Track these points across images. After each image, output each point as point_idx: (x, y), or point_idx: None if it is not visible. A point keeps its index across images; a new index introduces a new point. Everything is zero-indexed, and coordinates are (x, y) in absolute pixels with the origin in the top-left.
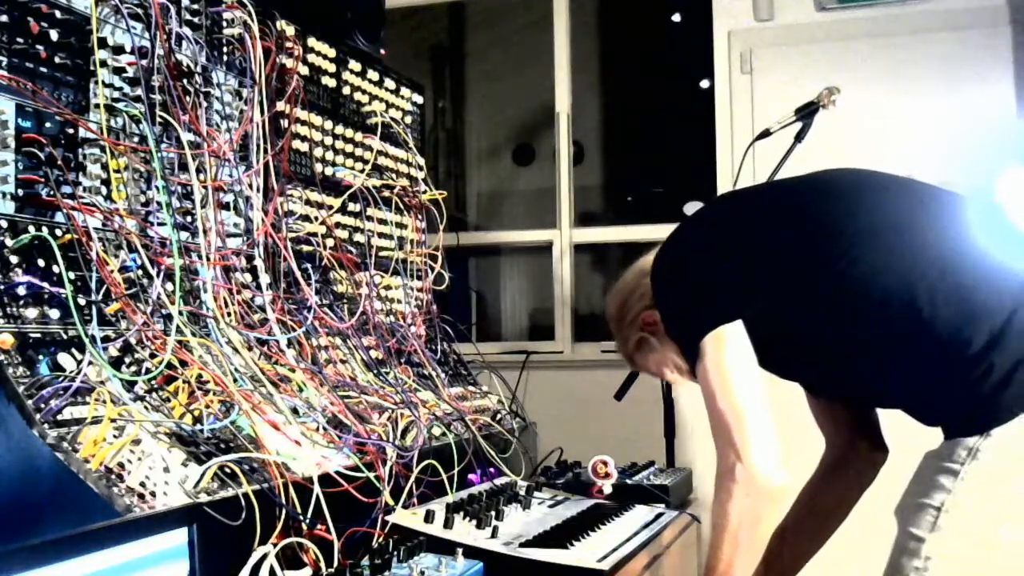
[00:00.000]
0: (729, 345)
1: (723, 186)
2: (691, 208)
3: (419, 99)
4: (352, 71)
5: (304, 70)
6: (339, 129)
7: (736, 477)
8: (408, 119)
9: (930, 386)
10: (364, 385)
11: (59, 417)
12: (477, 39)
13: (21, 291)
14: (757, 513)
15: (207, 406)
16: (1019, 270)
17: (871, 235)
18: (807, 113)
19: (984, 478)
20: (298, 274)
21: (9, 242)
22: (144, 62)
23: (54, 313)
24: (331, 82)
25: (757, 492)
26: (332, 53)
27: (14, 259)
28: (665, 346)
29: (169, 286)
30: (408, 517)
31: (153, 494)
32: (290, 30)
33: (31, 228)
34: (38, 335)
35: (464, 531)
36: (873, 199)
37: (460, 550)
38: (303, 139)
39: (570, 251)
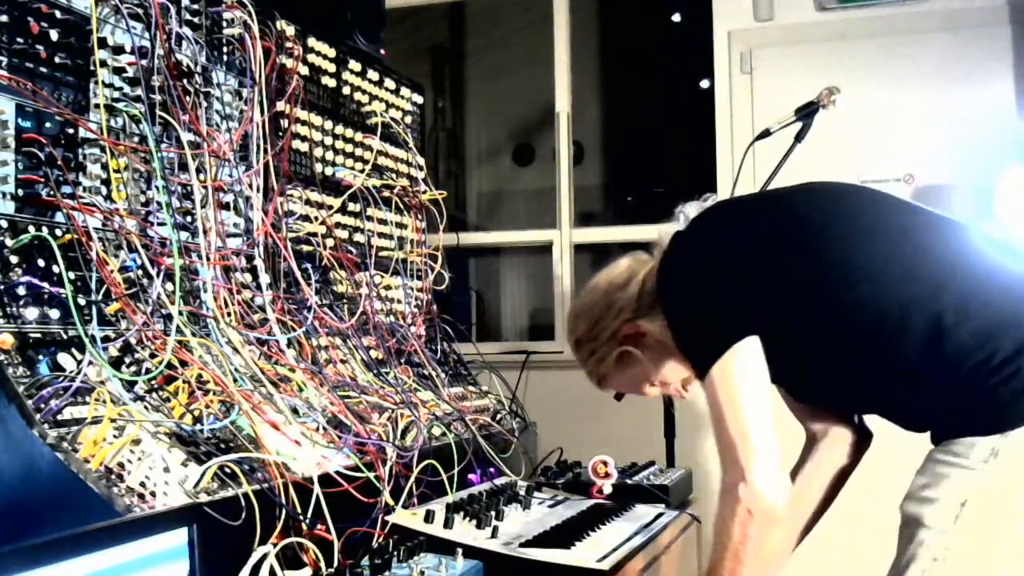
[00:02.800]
0: (743, 366)
1: (723, 186)
2: (692, 208)
3: (419, 99)
4: (352, 71)
5: (304, 70)
6: (339, 129)
7: (740, 496)
8: (408, 119)
9: (939, 399)
10: (364, 385)
11: (59, 417)
12: (477, 39)
13: (21, 291)
14: (759, 532)
15: (207, 406)
16: None
17: (890, 248)
18: (807, 113)
19: (1009, 475)
20: (298, 274)
21: (9, 242)
22: (144, 62)
23: (54, 313)
24: (331, 82)
25: (760, 513)
26: (332, 53)
27: (14, 259)
28: (650, 357)
29: (169, 286)
30: (408, 517)
31: (153, 494)
32: (290, 30)
33: (31, 228)
34: (38, 335)
35: (464, 531)
36: (882, 216)
37: (460, 550)
38: (303, 139)
39: (570, 251)
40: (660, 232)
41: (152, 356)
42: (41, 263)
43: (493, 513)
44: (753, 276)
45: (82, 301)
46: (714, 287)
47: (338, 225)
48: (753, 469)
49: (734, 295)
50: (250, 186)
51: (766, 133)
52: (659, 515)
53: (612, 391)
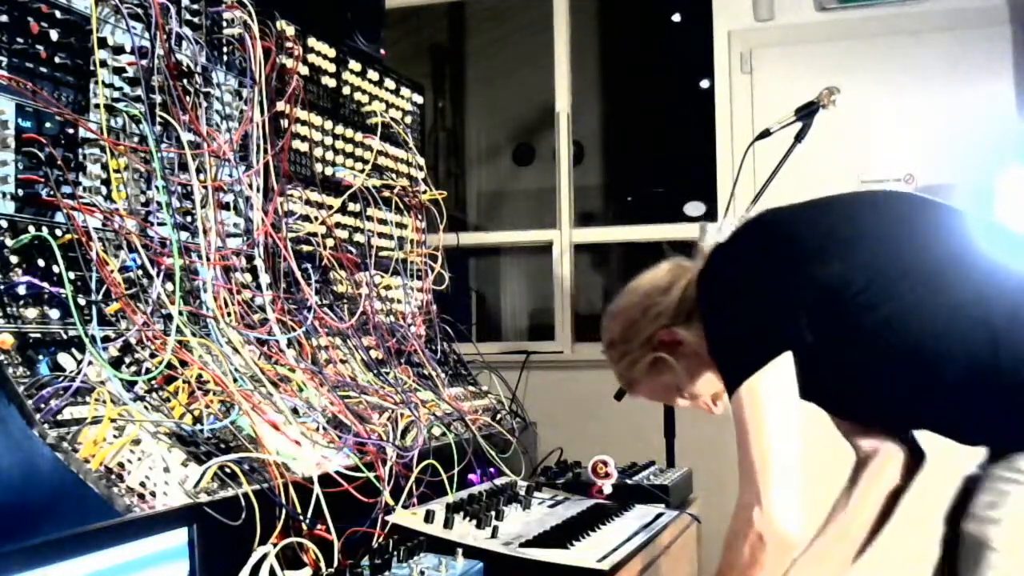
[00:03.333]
0: (772, 386)
1: (723, 186)
2: (692, 208)
3: (419, 99)
4: (352, 71)
5: (304, 70)
6: (339, 129)
7: (753, 521)
8: (408, 119)
9: (995, 411)
10: (364, 385)
11: (59, 417)
12: (477, 39)
13: (21, 291)
14: (769, 559)
15: (207, 406)
16: None
17: (936, 255)
18: (807, 113)
19: None
20: (298, 274)
21: (9, 242)
22: (144, 62)
23: (54, 313)
24: (331, 82)
25: (773, 539)
26: (332, 53)
27: (14, 259)
28: (684, 366)
29: (169, 286)
30: (408, 517)
31: (153, 494)
32: (290, 30)
33: (31, 228)
34: (38, 335)
35: (464, 531)
36: (929, 222)
37: (460, 550)
38: (303, 139)
39: (570, 251)
40: (704, 240)
41: (152, 356)
42: (41, 263)
43: (493, 513)
44: (790, 291)
45: (82, 301)
46: (749, 302)
47: (338, 225)
48: (771, 495)
49: (770, 311)
50: (250, 186)
51: (766, 133)
52: (659, 515)
53: (640, 396)
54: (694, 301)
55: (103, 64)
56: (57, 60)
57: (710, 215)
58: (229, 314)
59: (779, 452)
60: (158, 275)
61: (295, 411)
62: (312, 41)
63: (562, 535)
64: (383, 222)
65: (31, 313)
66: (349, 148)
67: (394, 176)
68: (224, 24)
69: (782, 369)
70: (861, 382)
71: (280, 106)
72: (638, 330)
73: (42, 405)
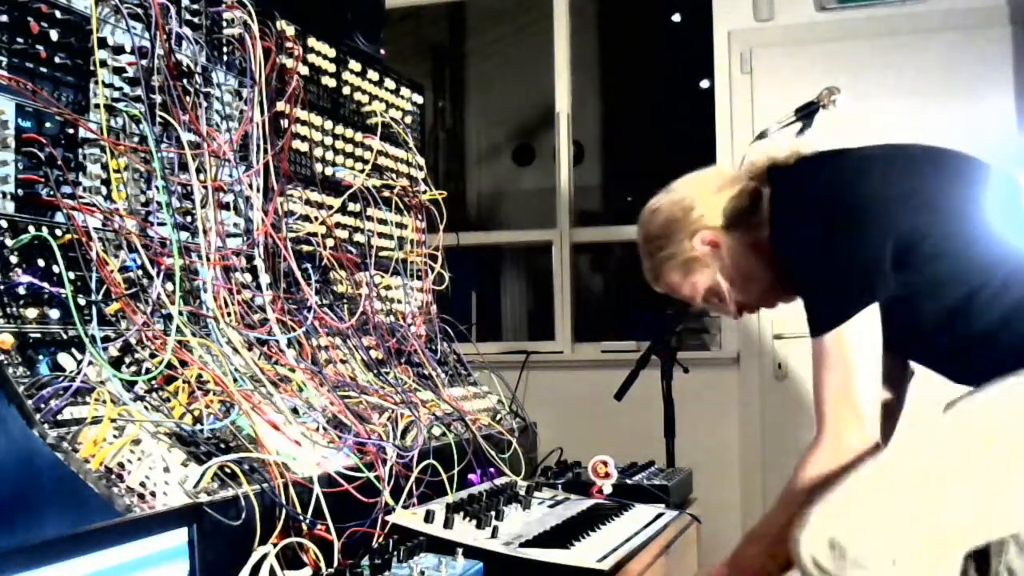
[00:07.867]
0: (862, 335)
1: None
2: None
3: (419, 99)
4: (352, 71)
5: (304, 70)
6: (339, 129)
7: (853, 448)
8: (408, 119)
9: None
10: (364, 385)
11: (59, 417)
12: (477, 39)
13: (21, 291)
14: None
15: (207, 406)
16: None
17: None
18: (807, 113)
19: None
20: (298, 274)
21: (9, 242)
22: (144, 62)
23: (54, 313)
24: (331, 82)
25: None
26: (332, 53)
27: (14, 259)
28: (718, 268)
29: (169, 286)
30: (408, 517)
31: (153, 494)
32: (290, 30)
33: (31, 228)
34: (38, 335)
35: (464, 531)
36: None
37: (460, 550)
38: (303, 139)
39: (570, 251)
40: (760, 146)
41: (152, 356)
42: (41, 263)
43: (493, 513)
44: (880, 239)
45: (82, 301)
46: (839, 250)
47: (338, 225)
48: (867, 427)
49: (860, 260)
50: (250, 186)
51: (766, 133)
52: (659, 515)
53: (661, 290)
54: (745, 211)
55: (103, 64)
56: (57, 60)
57: None
58: (229, 314)
59: (868, 400)
60: (158, 275)
61: (295, 411)
62: (312, 41)
63: (562, 535)
64: (383, 222)
65: (31, 313)
66: (349, 148)
67: (394, 176)
68: (224, 24)
69: (870, 320)
70: (917, 329)
71: (280, 106)
72: (680, 227)
73: (42, 405)
